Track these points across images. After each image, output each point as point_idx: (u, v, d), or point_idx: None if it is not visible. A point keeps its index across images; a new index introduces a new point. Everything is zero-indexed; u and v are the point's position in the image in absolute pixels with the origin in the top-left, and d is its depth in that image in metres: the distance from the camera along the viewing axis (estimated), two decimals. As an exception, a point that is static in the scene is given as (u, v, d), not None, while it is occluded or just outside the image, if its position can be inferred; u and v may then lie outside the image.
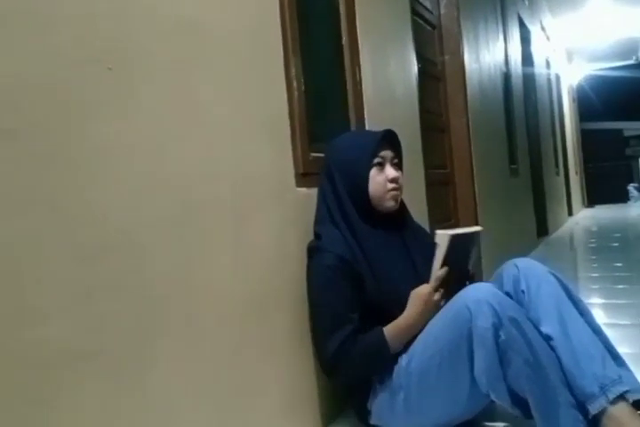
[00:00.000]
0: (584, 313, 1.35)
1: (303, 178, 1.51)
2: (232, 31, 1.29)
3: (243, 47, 1.33)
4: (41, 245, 0.79)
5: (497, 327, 1.21)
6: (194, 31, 1.15)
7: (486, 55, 4.06)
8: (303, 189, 1.51)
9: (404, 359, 1.33)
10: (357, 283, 1.38)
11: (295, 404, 1.39)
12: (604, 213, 10.29)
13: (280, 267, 1.38)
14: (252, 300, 1.26)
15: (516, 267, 1.39)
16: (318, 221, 1.47)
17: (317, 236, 1.45)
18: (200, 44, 1.17)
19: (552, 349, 1.26)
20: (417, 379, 1.29)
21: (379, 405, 1.37)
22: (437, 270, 1.34)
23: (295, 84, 1.53)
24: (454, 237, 1.33)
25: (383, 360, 1.34)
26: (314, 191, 1.51)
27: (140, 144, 0.98)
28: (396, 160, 1.51)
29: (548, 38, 7.92)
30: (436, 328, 1.30)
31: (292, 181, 1.48)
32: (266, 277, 1.32)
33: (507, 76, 4.86)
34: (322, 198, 1.48)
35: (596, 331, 1.33)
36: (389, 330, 1.34)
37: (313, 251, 1.43)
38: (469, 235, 1.41)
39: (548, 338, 1.27)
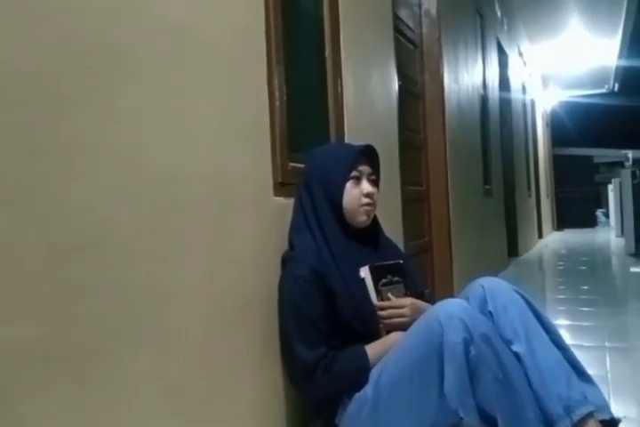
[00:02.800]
0: (550, 331, 1.37)
1: (281, 187, 1.50)
2: (218, 36, 1.28)
3: (228, 53, 1.32)
4: (12, 243, 0.77)
5: (468, 343, 1.21)
6: (180, 34, 1.14)
7: (465, 77, 4.14)
8: (281, 199, 1.50)
9: (374, 373, 1.32)
10: (328, 295, 1.37)
11: (264, 414, 1.37)
12: (573, 236, 10.49)
13: (255, 275, 1.36)
14: (226, 306, 1.24)
15: (482, 287, 1.40)
16: (294, 231, 1.46)
17: (292, 246, 1.44)
18: (186, 47, 1.16)
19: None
20: (387, 393, 1.28)
21: (347, 419, 1.35)
22: (377, 302, 1.42)
23: (277, 93, 1.53)
24: (372, 268, 1.41)
25: (361, 380, 1.33)
26: (291, 201, 1.51)
27: (121, 144, 0.97)
28: (373, 176, 1.51)
29: (524, 64, 8.12)
30: (408, 342, 1.30)
31: (270, 189, 1.47)
32: (240, 285, 1.30)
33: (484, 99, 4.96)
34: (299, 208, 1.47)
35: (562, 348, 1.35)
36: (370, 349, 1.35)
37: (287, 261, 1.42)
38: (390, 265, 1.47)
39: (516, 357, 1.28)
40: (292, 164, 1.57)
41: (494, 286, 1.41)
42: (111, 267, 0.93)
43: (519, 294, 1.40)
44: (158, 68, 1.08)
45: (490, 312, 1.36)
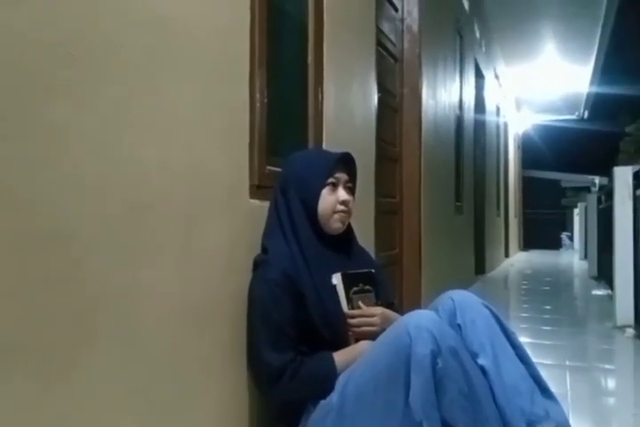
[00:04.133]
0: (516, 346, 1.38)
1: (257, 190, 1.48)
2: (203, 34, 1.27)
3: (212, 51, 1.31)
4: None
5: (435, 355, 1.20)
6: (165, 28, 1.13)
7: (443, 94, 4.20)
8: (256, 202, 1.48)
9: (340, 381, 1.31)
10: (298, 301, 1.36)
11: (229, 417, 1.34)
12: (538, 257, 10.69)
13: (226, 278, 1.34)
14: (194, 309, 1.21)
15: (452, 300, 1.41)
16: (267, 235, 1.44)
17: (264, 249, 1.42)
18: (170, 41, 1.15)
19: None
20: (352, 401, 1.26)
21: (310, 425, 1.33)
22: (347, 310, 1.40)
23: (258, 95, 1.52)
24: (344, 275, 1.40)
25: (327, 387, 1.32)
26: (266, 204, 1.49)
27: (95, 136, 0.94)
28: (349, 184, 1.51)
29: (500, 86, 8.29)
30: (376, 352, 1.29)
31: (246, 192, 1.45)
32: (210, 287, 1.27)
33: (460, 117, 5.03)
34: (274, 212, 1.45)
35: (527, 364, 1.36)
36: (339, 357, 1.34)
37: (258, 264, 1.40)
38: (362, 273, 1.46)
39: (482, 371, 1.29)
40: (269, 167, 1.56)
41: (464, 299, 1.42)
42: (78, 261, 0.90)
43: (487, 308, 1.41)
44: (141, 60, 1.06)
45: (458, 325, 1.37)
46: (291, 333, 1.34)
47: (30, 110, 0.82)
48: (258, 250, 1.43)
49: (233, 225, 1.38)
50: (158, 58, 1.11)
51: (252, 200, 1.47)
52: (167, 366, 1.12)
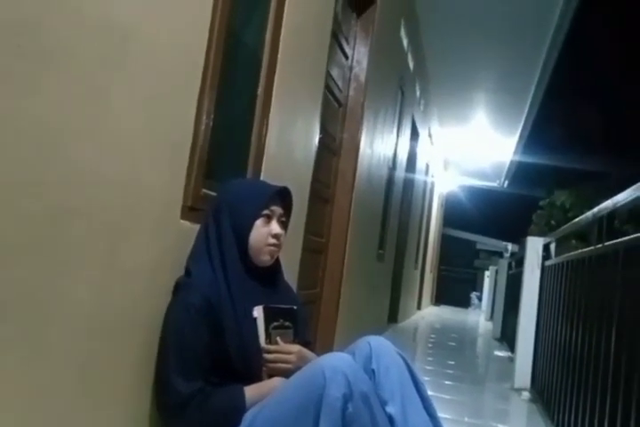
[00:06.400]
0: (424, 398, 1.40)
1: (189, 212, 1.45)
2: (158, 48, 1.25)
3: (165, 66, 1.29)
4: None
5: (347, 399, 1.20)
6: (120, 36, 1.11)
7: (380, 144, 4.33)
8: (187, 223, 1.44)
9: (248, 416, 1.26)
10: (216, 329, 1.32)
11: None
12: (448, 313, 10.99)
13: (146, 297, 1.28)
14: (109, 329, 1.15)
15: (369, 345, 1.42)
16: (193, 258, 1.40)
17: (188, 272, 1.37)
18: (123, 49, 1.12)
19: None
20: (259, 438, 1.22)
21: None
22: (265, 344, 1.37)
23: (205, 117, 1.50)
24: (267, 309, 1.38)
25: (234, 421, 1.27)
26: (196, 227, 1.45)
27: (31, 135, 0.89)
28: (283, 218, 1.51)
29: (432, 144, 8.68)
30: (289, 390, 1.26)
31: (178, 212, 1.41)
32: (129, 305, 1.22)
33: (392, 168, 5.20)
34: (203, 236, 1.42)
35: (432, 416, 1.39)
36: (250, 391, 1.30)
37: (180, 286, 1.35)
38: (284, 309, 1.45)
39: (390, 418, 1.29)
40: (204, 190, 1.53)
41: (381, 345, 1.43)
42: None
43: (402, 357, 1.43)
44: (91, 65, 1.03)
45: (373, 370, 1.38)
46: (203, 361, 1.29)
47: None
48: (181, 272, 1.38)
49: (160, 244, 1.33)
50: (109, 65, 1.08)
51: (182, 221, 1.43)
52: (72, 382, 1.05)
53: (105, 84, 1.07)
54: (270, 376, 1.37)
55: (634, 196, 1.65)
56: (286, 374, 1.34)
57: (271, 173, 2.02)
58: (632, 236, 1.63)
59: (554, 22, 5.09)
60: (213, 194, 1.53)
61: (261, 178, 1.96)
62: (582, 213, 2.52)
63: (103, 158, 1.09)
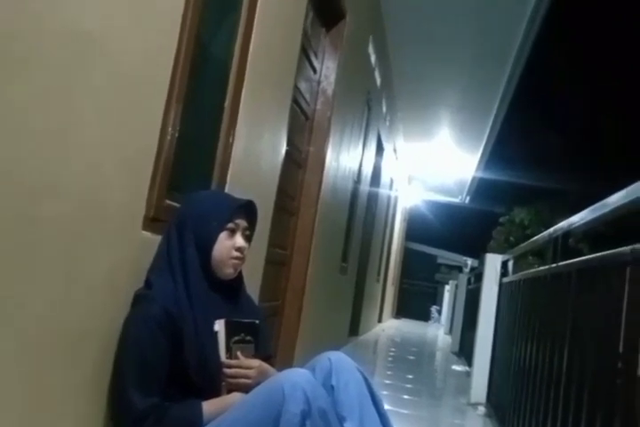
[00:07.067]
0: (381, 414, 1.42)
1: (151, 222, 1.43)
2: (124, 57, 1.25)
3: (131, 75, 1.29)
4: None
5: (305, 416, 1.21)
6: (86, 45, 1.10)
7: (346, 157, 4.37)
8: (148, 234, 1.43)
9: (206, 431, 1.24)
10: (176, 342, 1.30)
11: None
12: (408, 326, 11.07)
13: (105, 310, 1.26)
14: (65, 342, 1.13)
15: (329, 361, 1.43)
16: (154, 270, 1.38)
17: (148, 284, 1.35)
18: (89, 60, 1.11)
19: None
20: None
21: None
22: (225, 359, 1.36)
23: (170, 128, 1.50)
24: (228, 323, 1.38)
25: None
26: (158, 238, 1.43)
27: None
28: (247, 232, 1.50)
29: (397, 159, 8.79)
30: (248, 405, 1.26)
31: (140, 222, 1.39)
32: (86, 315, 1.19)
33: (357, 182, 5.24)
34: (165, 248, 1.40)
35: None
36: (208, 407, 1.29)
37: (140, 298, 1.33)
38: (246, 323, 1.44)
39: (347, 435, 1.29)
40: (168, 201, 1.52)
41: (341, 361, 1.44)
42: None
43: (361, 372, 1.44)
44: (58, 72, 1.02)
45: (332, 386, 1.38)
46: (162, 375, 1.27)
47: None
48: (141, 284, 1.36)
49: (120, 254, 1.32)
50: (73, 76, 1.07)
51: (144, 232, 1.41)
52: (23, 397, 1.03)
53: (68, 95, 1.06)
54: (229, 391, 1.36)
55: (588, 218, 1.71)
56: (246, 389, 1.33)
57: (236, 184, 2.02)
58: (584, 258, 1.68)
59: (516, 45, 5.26)
60: (177, 205, 1.52)
61: (226, 189, 1.96)
62: (540, 231, 2.59)
63: (64, 169, 1.07)
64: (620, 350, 1.29)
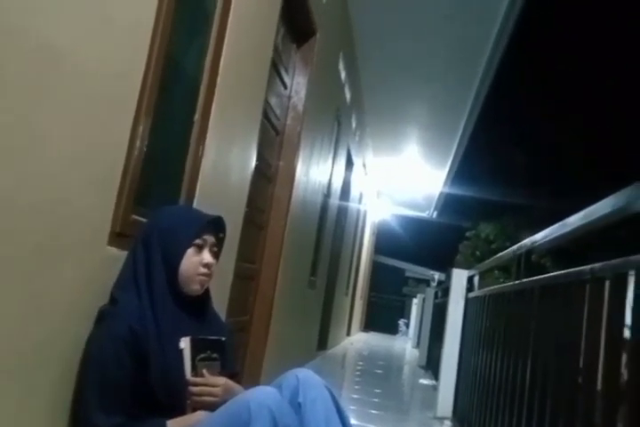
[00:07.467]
0: None
1: (117, 238, 1.41)
2: (92, 71, 1.24)
3: (99, 90, 1.28)
4: None
5: None
6: (53, 59, 1.09)
7: (315, 172, 4.39)
8: (113, 249, 1.41)
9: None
10: (140, 360, 1.28)
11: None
12: (376, 339, 11.08)
13: (67, 327, 1.24)
14: (24, 363, 1.10)
15: (297, 378, 1.43)
16: (119, 286, 1.36)
17: (113, 300, 1.33)
18: (55, 73, 1.11)
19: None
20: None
21: None
22: (190, 376, 1.34)
23: (138, 143, 1.49)
24: (194, 340, 1.36)
25: None
26: (124, 254, 1.41)
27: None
28: (215, 248, 1.49)
29: (366, 174, 8.86)
30: (214, 423, 1.25)
31: (105, 238, 1.38)
32: (47, 337, 1.16)
33: (326, 197, 5.27)
34: (131, 264, 1.38)
35: None
36: (174, 425, 1.27)
37: (104, 315, 1.31)
38: (212, 340, 1.43)
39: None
40: (134, 216, 1.50)
41: (308, 378, 1.44)
42: None
43: (329, 390, 1.45)
44: (18, 85, 1.01)
45: (299, 404, 1.38)
46: (125, 394, 1.25)
47: None
48: (106, 300, 1.34)
49: (84, 270, 1.29)
50: (38, 89, 1.06)
51: (109, 247, 1.39)
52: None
53: (33, 109, 1.05)
54: (195, 409, 1.34)
55: (550, 236, 1.76)
56: (212, 407, 1.32)
57: (205, 198, 2.01)
58: (546, 275, 1.72)
59: (483, 63, 5.39)
60: (144, 220, 1.50)
61: (195, 203, 1.95)
62: (505, 245, 2.65)
63: (25, 184, 1.05)
64: (581, 365, 1.32)
